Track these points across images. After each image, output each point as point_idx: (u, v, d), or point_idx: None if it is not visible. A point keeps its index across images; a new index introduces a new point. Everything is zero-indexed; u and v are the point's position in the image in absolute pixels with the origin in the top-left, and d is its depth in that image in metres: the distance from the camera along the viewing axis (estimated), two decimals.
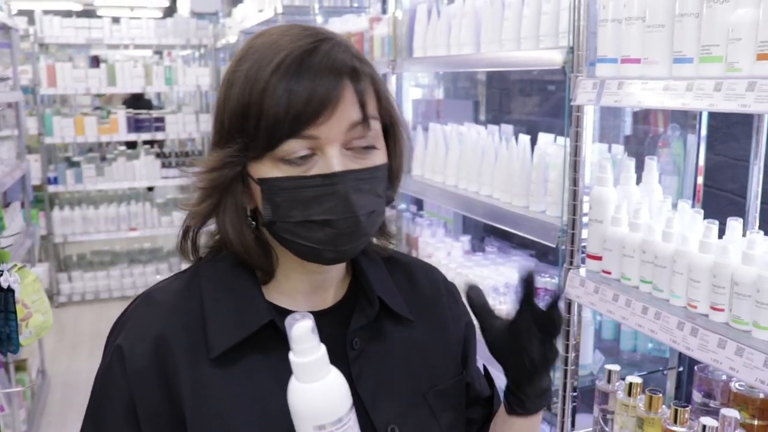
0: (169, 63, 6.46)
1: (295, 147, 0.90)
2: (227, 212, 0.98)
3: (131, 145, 7.04)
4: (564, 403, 1.99)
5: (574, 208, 1.85)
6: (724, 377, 1.80)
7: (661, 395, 1.64)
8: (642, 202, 1.70)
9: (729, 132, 2.22)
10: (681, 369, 2.19)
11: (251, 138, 0.92)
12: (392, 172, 1.02)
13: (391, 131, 1.02)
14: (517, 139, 2.41)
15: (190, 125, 6.41)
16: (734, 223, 1.50)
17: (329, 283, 1.05)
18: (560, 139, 2.22)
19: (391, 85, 3.19)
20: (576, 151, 1.82)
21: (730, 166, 2.21)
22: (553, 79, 3.07)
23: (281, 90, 0.89)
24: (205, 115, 6.52)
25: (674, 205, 1.73)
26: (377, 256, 1.11)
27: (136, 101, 8.35)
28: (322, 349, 0.83)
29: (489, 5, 2.40)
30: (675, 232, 1.57)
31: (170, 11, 10.68)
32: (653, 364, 2.23)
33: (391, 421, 1.00)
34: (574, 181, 1.84)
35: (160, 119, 6.32)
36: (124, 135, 6.22)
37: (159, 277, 6.57)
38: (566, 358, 1.96)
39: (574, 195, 1.84)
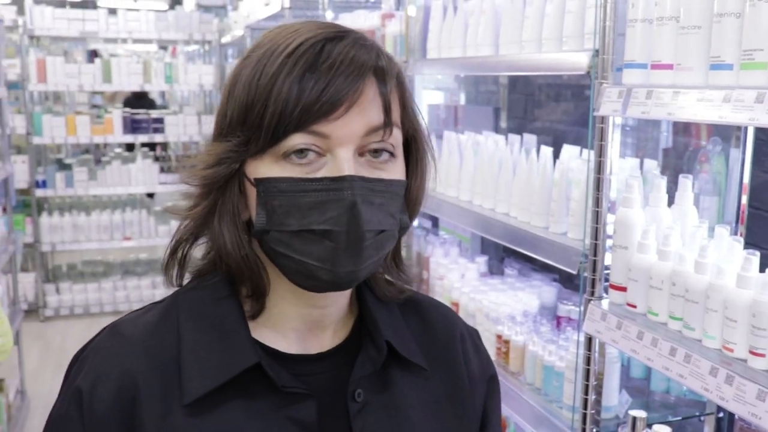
0: (170, 59, 6.45)
1: (300, 142, 0.85)
2: (223, 217, 0.91)
3: (130, 147, 7.01)
4: None
5: (596, 232, 1.77)
6: None
7: None
8: (673, 227, 1.62)
9: None
10: (721, 415, 2.09)
11: (254, 130, 0.86)
12: (410, 194, 0.95)
13: (414, 147, 0.96)
14: (538, 151, 2.33)
15: (192, 127, 6.36)
16: None
17: (327, 322, 0.97)
18: (586, 153, 2.14)
19: None
20: (599, 168, 1.74)
21: None
22: (583, 84, 2.99)
23: (294, 77, 0.84)
24: (208, 117, 6.48)
25: (711, 230, 1.65)
26: (391, 299, 1.03)
27: (138, 100, 8.37)
28: None
29: (509, 2, 2.33)
30: (709, 263, 1.48)
31: (175, 3, 10.74)
32: (689, 408, 2.13)
33: None
34: (597, 202, 1.76)
35: (159, 120, 6.28)
36: (120, 136, 6.20)
37: (156, 292, 6.54)
38: (585, 401, 1.87)
39: (597, 217, 1.76)
